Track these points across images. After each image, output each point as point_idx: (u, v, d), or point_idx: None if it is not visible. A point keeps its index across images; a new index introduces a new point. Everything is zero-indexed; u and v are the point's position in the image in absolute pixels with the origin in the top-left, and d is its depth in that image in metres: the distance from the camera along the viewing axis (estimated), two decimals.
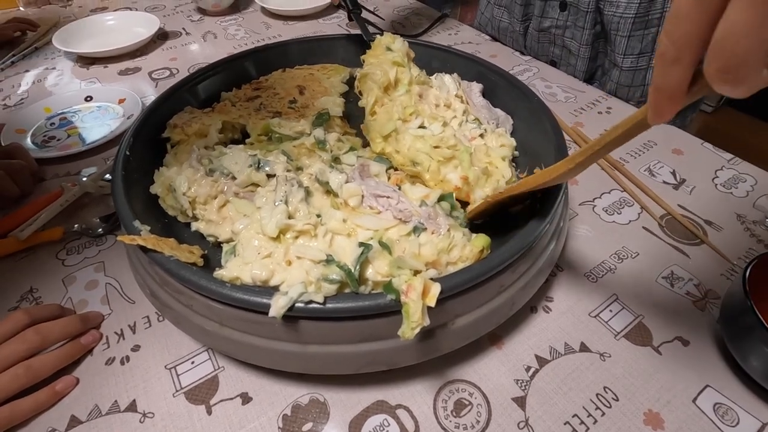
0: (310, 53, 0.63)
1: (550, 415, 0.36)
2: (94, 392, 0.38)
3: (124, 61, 0.84)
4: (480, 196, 0.42)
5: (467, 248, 0.35)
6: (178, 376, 0.38)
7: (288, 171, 0.42)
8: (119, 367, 0.39)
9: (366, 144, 0.50)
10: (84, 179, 0.54)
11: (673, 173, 0.57)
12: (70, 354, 0.38)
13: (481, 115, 0.51)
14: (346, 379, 0.38)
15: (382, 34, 0.56)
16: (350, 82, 0.63)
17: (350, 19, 0.62)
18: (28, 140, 0.64)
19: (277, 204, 0.38)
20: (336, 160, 0.45)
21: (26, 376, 0.35)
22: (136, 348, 0.41)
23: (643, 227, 0.51)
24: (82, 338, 0.40)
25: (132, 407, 0.37)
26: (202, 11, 1.02)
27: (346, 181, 0.40)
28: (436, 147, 0.43)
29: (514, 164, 0.49)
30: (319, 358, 0.34)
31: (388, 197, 0.39)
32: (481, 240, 0.36)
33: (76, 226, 0.51)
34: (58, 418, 0.36)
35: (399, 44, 0.52)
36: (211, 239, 0.41)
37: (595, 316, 0.42)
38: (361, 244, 0.34)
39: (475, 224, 0.42)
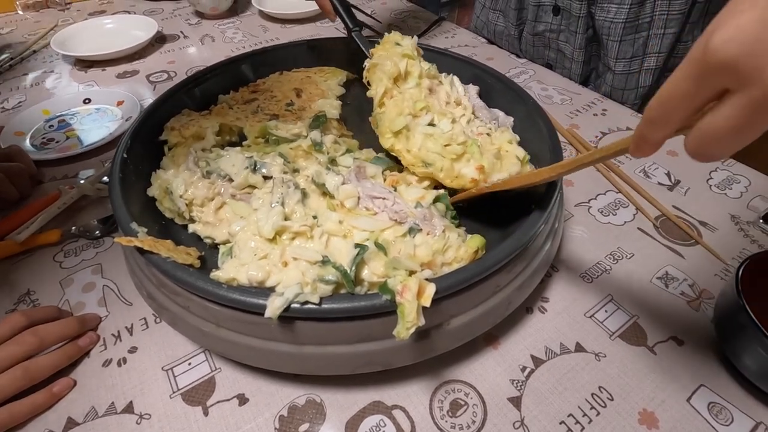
0: (307, 56, 0.64)
1: (545, 415, 0.36)
2: (90, 394, 0.38)
3: (122, 64, 0.85)
4: (498, 178, 0.41)
5: (462, 249, 0.35)
6: (175, 377, 0.39)
7: (284, 173, 0.42)
8: (116, 369, 0.39)
9: (363, 145, 0.51)
10: (82, 182, 0.55)
11: (668, 174, 0.58)
12: (67, 356, 0.38)
13: (482, 115, 0.51)
14: (342, 380, 0.38)
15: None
16: (347, 84, 0.63)
17: (350, 37, 0.60)
18: (27, 142, 0.64)
19: (273, 206, 0.38)
20: (332, 162, 0.45)
21: (24, 378, 0.35)
22: (133, 350, 0.41)
23: (638, 228, 0.51)
24: (80, 340, 0.40)
25: (129, 409, 0.37)
26: (200, 15, 1.03)
27: (343, 183, 0.40)
28: (446, 145, 0.42)
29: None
30: (315, 359, 0.34)
31: (383, 199, 0.40)
32: (475, 241, 0.36)
33: (73, 228, 0.51)
34: (54, 419, 0.36)
35: (408, 41, 0.51)
36: (208, 241, 0.41)
37: (590, 317, 0.42)
38: (357, 245, 0.35)
39: (470, 225, 0.42)
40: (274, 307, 0.30)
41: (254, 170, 0.42)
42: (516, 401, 0.37)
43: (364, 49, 0.56)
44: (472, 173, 0.41)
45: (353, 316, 0.32)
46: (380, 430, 0.35)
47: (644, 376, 0.38)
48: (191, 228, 0.42)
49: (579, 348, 0.40)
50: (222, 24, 0.99)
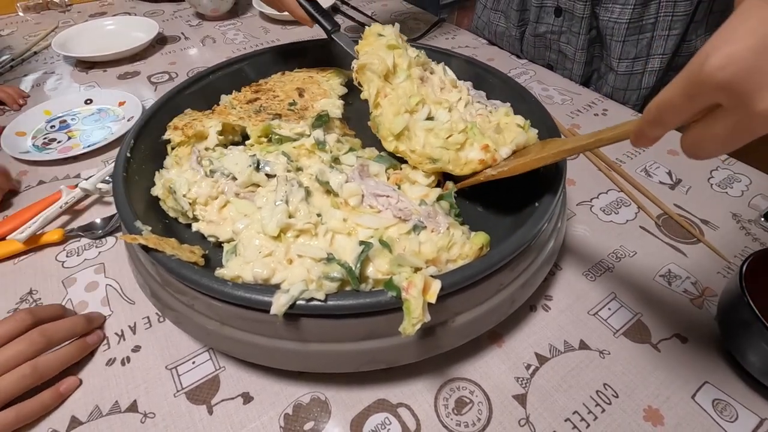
0: (309, 56, 0.64)
1: (550, 413, 0.36)
2: (94, 393, 0.37)
3: (123, 65, 0.85)
4: (506, 152, 0.41)
5: (467, 246, 0.35)
6: (179, 376, 0.38)
7: (288, 171, 0.43)
8: (120, 368, 0.39)
9: (366, 144, 0.51)
10: (84, 181, 0.54)
11: (669, 173, 0.58)
12: (75, 354, 0.38)
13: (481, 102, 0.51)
14: (346, 378, 0.38)
15: None
16: (349, 84, 0.63)
17: (330, 39, 0.57)
18: (29, 142, 0.64)
19: (277, 204, 0.38)
20: (335, 160, 0.45)
21: (32, 377, 0.35)
22: (136, 348, 0.40)
23: (640, 227, 0.51)
24: (88, 338, 0.40)
25: (133, 407, 0.36)
26: (200, 16, 1.03)
27: (346, 181, 0.40)
28: (448, 137, 0.42)
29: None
30: (320, 357, 0.34)
31: (387, 196, 0.40)
32: (480, 238, 0.36)
33: (76, 228, 0.51)
34: (58, 418, 0.36)
35: (390, 29, 0.49)
36: (211, 239, 0.41)
37: (594, 314, 0.42)
38: (362, 242, 0.35)
39: (473, 223, 0.42)
40: (279, 304, 0.30)
41: (258, 169, 0.42)
42: (521, 399, 0.37)
43: (348, 49, 0.54)
44: (478, 155, 0.41)
45: (358, 313, 0.32)
46: (385, 428, 0.35)
47: (648, 374, 0.38)
48: (195, 227, 0.42)
49: (583, 345, 0.40)
50: (223, 25, 1.00)
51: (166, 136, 0.49)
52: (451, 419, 0.35)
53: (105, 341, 0.41)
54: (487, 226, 0.41)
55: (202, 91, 0.56)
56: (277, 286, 0.33)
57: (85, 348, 0.39)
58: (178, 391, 0.37)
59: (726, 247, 0.48)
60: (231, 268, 0.34)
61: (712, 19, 0.68)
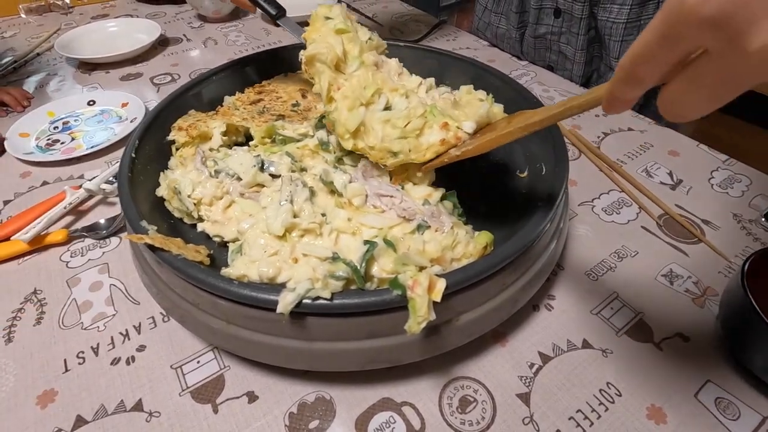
0: None
1: (554, 411, 0.36)
2: (99, 392, 0.38)
3: (125, 67, 0.85)
4: (469, 127, 0.38)
5: (471, 245, 0.36)
6: (183, 375, 0.39)
7: (292, 171, 0.43)
8: (125, 367, 0.39)
9: None
10: (87, 182, 0.55)
11: (670, 174, 0.58)
12: None
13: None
14: (351, 377, 0.38)
15: None
16: None
17: (276, 25, 0.54)
18: (32, 143, 0.64)
19: (282, 203, 0.39)
20: (339, 161, 0.45)
21: None
22: (141, 348, 0.41)
23: (642, 227, 0.51)
24: None
25: (138, 406, 0.37)
26: (202, 18, 1.04)
27: (350, 181, 0.41)
28: (406, 125, 0.39)
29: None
30: (325, 355, 0.34)
31: (391, 196, 0.40)
32: (484, 237, 0.37)
33: (80, 228, 0.51)
34: (64, 417, 0.36)
35: (337, 10, 0.45)
36: (216, 239, 0.41)
37: (596, 314, 0.43)
38: (366, 241, 0.35)
39: (476, 224, 0.42)
40: (285, 302, 0.31)
41: (262, 169, 0.43)
42: (525, 397, 0.37)
43: (295, 36, 0.52)
44: (438, 135, 0.38)
45: (364, 312, 0.32)
46: (390, 426, 0.35)
47: (651, 372, 0.38)
48: (200, 227, 0.42)
49: (586, 344, 0.40)
50: (224, 27, 1.00)
51: (170, 137, 0.49)
52: (456, 418, 0.36)
53: (110, 341, 0.41)
54: (489, 226, 0.41)
55: (205, 92, 0.56)
56: (282, 285, 0.33)
57: None
58: (183, 390, 0.38)
59: (727, 247, 0.48)
60: (237, 267, 0.35)
61: None
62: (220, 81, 0.58)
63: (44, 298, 0.45)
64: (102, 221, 0.52)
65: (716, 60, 0.18)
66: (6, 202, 0.56)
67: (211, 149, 0.48)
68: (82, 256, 0.49)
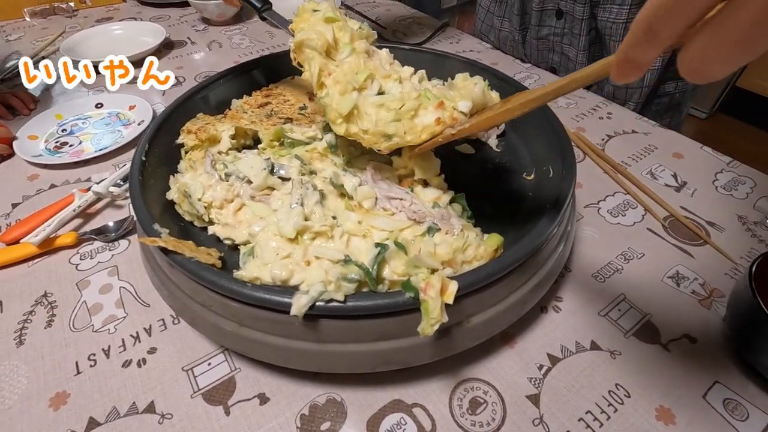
0: None
1: (563, 412, 0.36)
2: (111, 394, 0.38)
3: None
4: (465, 106, 0.37)
5: (482, 247, 0.36)
6: (195, 377, 0.39)
7: (302, 174, 0.43)
8: (136, 370, 0.39)
9: None
10: (96, 185, 0.55)
11: (675, 176, 0.59)
12: None
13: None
14: (362, 379, 0.38)
15: None
16: None
17: (262, 19, 0.54)
18: (41, 146, 0.64)
19: (293, 206, 0.39)
20: (348, 163, 0.46)
21: None
22: (152, 350, 0.41)
23: (648, 228, 0.52)
24: None
25: (150, 408, 0.37)
26: (206, 21, 1.04)
27: (360, 184, 0.41)
28: (401, 107, 0.38)
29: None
30: (337, 357, 0.34)
31: (401, 199, 0.40)
32: (494, 239, 0.37)
33: (89, 231, 0.52)
34: (76, 419, 0.36)
35: (325, 4, 0.44)
36: (227, 242, 0.41)
37: (604, 315, 0.43)
38: (377, 244, 0.35)
39: (485, 227, 0.43)
40: (299, 305, 0.31)
41: (272, 172, 0.43)
42: (534, 399, 0.37)
43: (282, 27, 0.51)
44: (433, 114, 0.37)
45: (376, 314, 0.32)
46: (401, 428, 0.36)
47: (659, 373, 0.39)
48: (211, 230, 0.42)
49: (594, 346, 0.41)
50: (229, 30, 1.00)
51: (179, 140, 0.49)
52: (466, 419, 0.36)
53: (121, 343, 0.41)
54: (495, 228, 0.41)
55: (213, 95, 0.57)
56: (295, 288, 0.33)
57: None
58: (194, 392, 0.38)
59: (732, 248, 0.49)
60: (249, 270, 0.35)
61: None
62: (227, 84, 0.58)
63: (54, 301, 0.45)
64: (110, 224, 0.53)
65: (747, 4, 0.16)
66: (14, 205, 0.56)
67: (220, 152, 0.48)
68: (91, 258, 0.50)
